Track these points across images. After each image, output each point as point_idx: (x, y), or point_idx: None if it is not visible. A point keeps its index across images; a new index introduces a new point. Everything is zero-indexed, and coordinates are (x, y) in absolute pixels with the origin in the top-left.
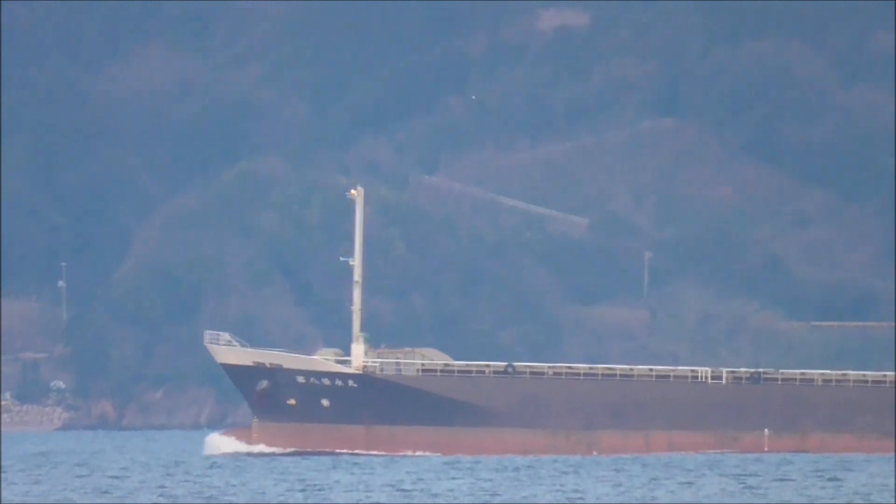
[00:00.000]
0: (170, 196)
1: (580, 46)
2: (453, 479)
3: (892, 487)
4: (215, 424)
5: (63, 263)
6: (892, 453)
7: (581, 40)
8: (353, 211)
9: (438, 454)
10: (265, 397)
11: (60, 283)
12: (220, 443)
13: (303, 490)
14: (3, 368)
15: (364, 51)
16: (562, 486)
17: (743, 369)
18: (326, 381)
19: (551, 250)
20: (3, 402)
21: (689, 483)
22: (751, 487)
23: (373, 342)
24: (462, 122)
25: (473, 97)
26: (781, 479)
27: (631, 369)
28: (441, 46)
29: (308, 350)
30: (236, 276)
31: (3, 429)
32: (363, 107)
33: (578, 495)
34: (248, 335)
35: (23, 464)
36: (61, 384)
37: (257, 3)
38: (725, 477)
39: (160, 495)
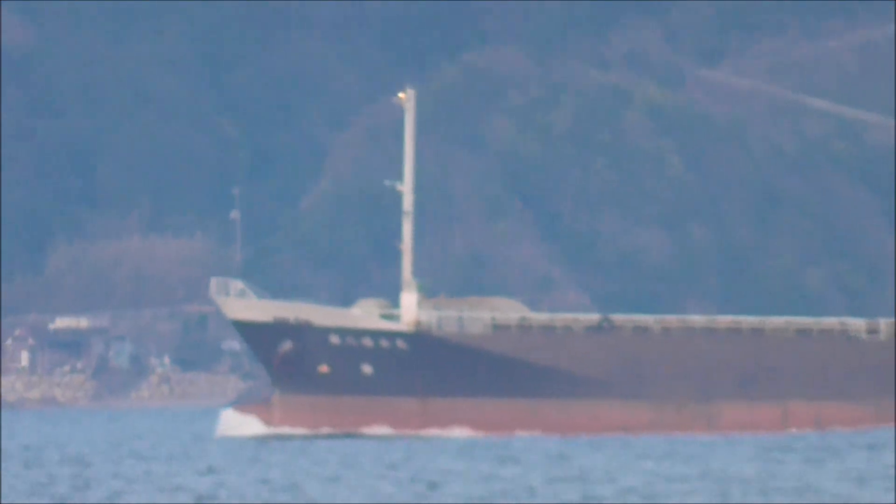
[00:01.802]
0: (373, 100)
1: None
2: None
3: None
4: None
5: (236, 189)
6: None
7: None
8: (404, 121)
9: (515, 432)
10: (289, 363)
11: (233, 214)
12: (236, 421)
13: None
14: (159, 325)
15: None
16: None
17: None
18: (368, 342)
19: (872, 165)
20: (159, 369)
21: (855, 477)
22: None
23: (429, 290)
24: None
25: None
26: None
27: (762, 322)
28: None
29: (546, 300)
30: (462, 203)
31: (162, 402)
32: None
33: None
34: (476, 278)
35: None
36: (236, 345)
37: None
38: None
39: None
